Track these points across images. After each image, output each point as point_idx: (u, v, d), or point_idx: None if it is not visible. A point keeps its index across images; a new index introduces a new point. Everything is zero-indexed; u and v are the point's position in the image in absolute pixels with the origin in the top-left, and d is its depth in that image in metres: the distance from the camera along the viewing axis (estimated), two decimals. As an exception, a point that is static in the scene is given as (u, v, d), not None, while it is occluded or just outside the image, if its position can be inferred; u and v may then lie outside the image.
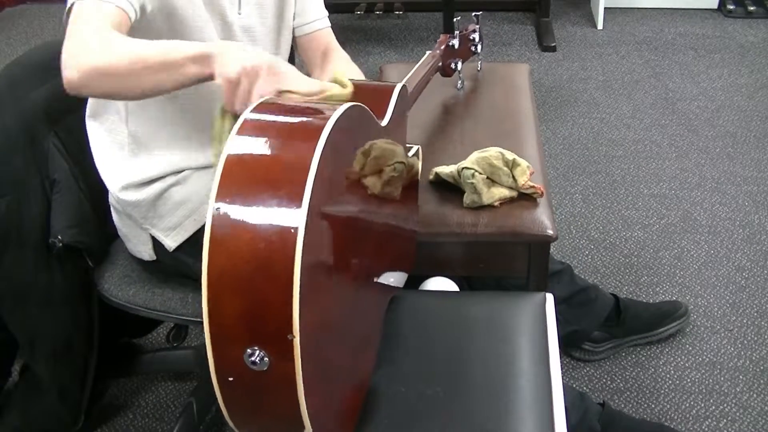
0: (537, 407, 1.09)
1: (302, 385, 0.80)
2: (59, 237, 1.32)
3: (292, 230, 0.78)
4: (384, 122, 1.11)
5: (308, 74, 1.47)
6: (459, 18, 1.63)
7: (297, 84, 1.00)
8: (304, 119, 0.88)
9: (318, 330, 0.84)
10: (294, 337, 0.78)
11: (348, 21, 3.28)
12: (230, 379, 0.83)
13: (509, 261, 1.41)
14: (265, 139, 0.85)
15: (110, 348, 1.60)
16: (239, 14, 1.25)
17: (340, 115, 0.86)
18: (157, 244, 1.32)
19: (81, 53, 1.01)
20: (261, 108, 0.90)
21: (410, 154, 1.28)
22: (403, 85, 1.23)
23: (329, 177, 0.84)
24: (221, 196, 0.81)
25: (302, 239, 0.77)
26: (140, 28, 1.11)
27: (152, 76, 1.02)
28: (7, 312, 1.40)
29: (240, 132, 0.85)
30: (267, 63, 0.98)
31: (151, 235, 1.30)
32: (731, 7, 3.45)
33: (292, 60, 3.32)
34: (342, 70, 1.14)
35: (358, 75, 1.43)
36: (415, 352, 1.17)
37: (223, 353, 0.82)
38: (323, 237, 0.84)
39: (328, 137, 0.82)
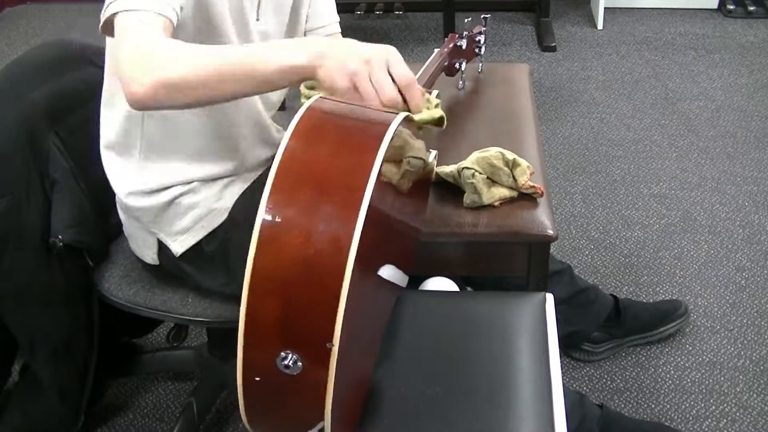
0: (537, 407, 1.08)
1: (332, 391, 0.80)
2: (59, 237, 1.32)
3: (347, 241, 0.76)
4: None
5: None
6: (470, 19, 1.63)
7: (406, 72, 0.95)
8: (365, 125, 0.86)
9: (352, 337, 0.83)
10: (333, 345, 0.77)
11: (348, 21, 3.28)
12: (257, 378, 0.82)
13: (509, 261, 1.41)
14: (322, 141, 0.83)
15: (110, 348, 1.60)
16: (257, 20, 1.25)
17: (398, 126, 0.85)
18: (161, 250, 1.32)
19: (150, 65, 0.96)
20: (319, 105, 0.87)
21: (430, 159, 1.27)
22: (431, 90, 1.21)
23: (380, 185, 0.82)
24: (275, 193, 0.79)
25: (356, 251, 0.76)
26: (176, 31, 1.08)
27: (238, 87, 0.98)
28: (7, 312, 1.40)
29: (296, 131, 0.83)
30: (376, 56, 0.93)
31: (157, 239, 1.30)
32: (731, 7, 3.45)
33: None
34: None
35: None
36: (415, 352, 1.17)
37: (255, 353, 0.81)
38: (369, 246, 0.83)
39: (386, 149, 0.81)
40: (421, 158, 1.17)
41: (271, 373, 0.81)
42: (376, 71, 0.93)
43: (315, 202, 0.79)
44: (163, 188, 1.26)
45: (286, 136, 0.83)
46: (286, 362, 0.80)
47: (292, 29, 1.34)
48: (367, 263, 0.88)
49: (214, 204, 1.27)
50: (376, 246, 0.93)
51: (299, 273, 0.78)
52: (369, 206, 0.79)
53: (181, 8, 1.07)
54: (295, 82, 0.96)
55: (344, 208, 0.77)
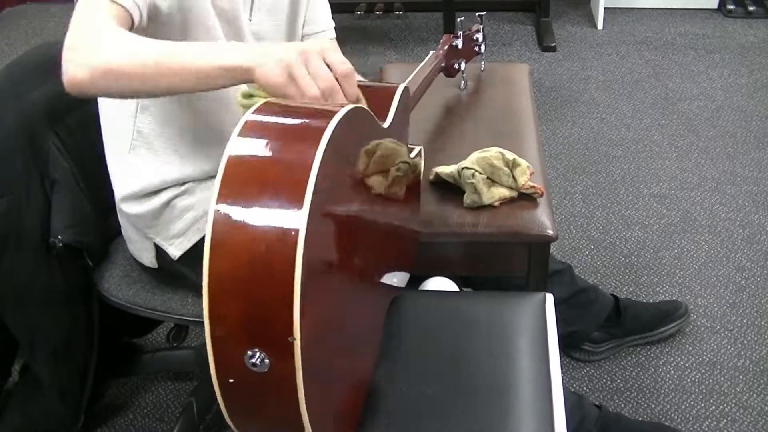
0: (537, 407, 1.08)
1: (303, 386, 0.80)
2: (59, 237, 1.32)
3: (293, 232, 0.77)
4: (386, 124, 1.11)
5: None
6: (462, 18, 1.63)
7: (342, 61, 0.95)
8: (306, 120, 0.88)
9: (319, 331, 0.84)
10: (295, 339, 0.78)
11: (348, 21, 3.28)
12: (231, 380, 0.83)
13: (509, 261, 1.41)
14: (266, 140, 0.84)
15: (110, 348, 1.60)
16: (250, 20, 1.24)
17: (342, 117, 0.86)
18: (159, 253, 1.32)
19: (92, 50, 0.97)
20: (263, 109, 0.89)
21: (413, 155, 1.28)
22: (406, 86, 1.23)
23: (331, 178, 0.84)
24: (222, 197, 0.81)
25: (303, 241, 0.77)
26: (155, 27, 1.09)
27: (176, 81, 0.97)
28: (7, 312, 1.39)
29: (241, 133, 0.85)
30: (311, 47, 0.92)
31: (154, 243, 1.30)
32: (731, 7, 3.45)
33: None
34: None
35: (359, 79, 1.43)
36: (415, 352, 1.17)
37: (223, 354, 0.82)
38: (325, 238, 0.84)
39: (329, 139, 0.82)
40: (406, 162, 1.17)
41: (242, 373, 0.82)
42: (312, 60, 0.92)
43: (260, 200, 0.80)
44: (157, 191, 1.25)
45: (231, 139, 0.84)
46: (253, 360, 0.80)
47: (291, 32, 1.34)
48: (338, 261, 0.88)
49: (209, 205, 1.26)
50: (352, 247, 0.94)
51: (253, 271, 0.79)
52: (320, 201, 0.80)
53: (155, 7, 1.07)
54: (234, 81, 0.96)
55: (289, 203, 0.78)
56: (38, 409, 1.51)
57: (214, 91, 1.02)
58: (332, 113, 0.87)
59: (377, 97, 1.17)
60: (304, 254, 0.77)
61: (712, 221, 2.26)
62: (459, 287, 1.45)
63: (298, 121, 0.88)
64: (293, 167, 0.81)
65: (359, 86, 1.10)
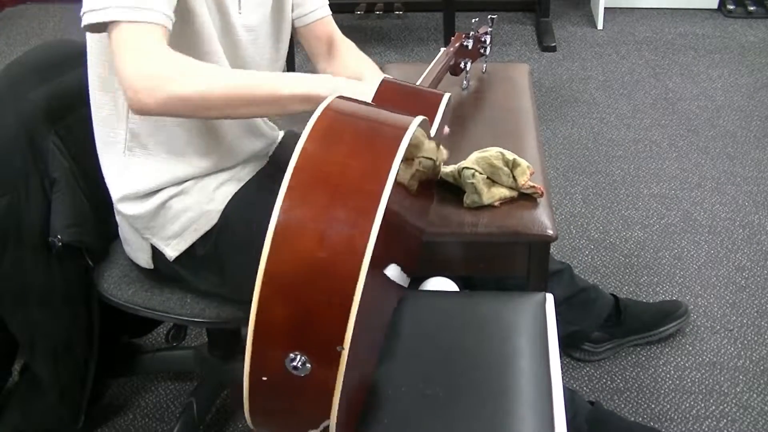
0: (537, 407, 1.08)
1: (339, 393, 0.80)
2: (59, 236, 1.32)
3: (362, 245, 0.76)
4: (431, 133, 1.10)
5: (314, 64, 1.47)
6: (477, 19, 1.64)
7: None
8: (382, 127, 0.86)
9: (358, 339, 0.83)
10: (343, 349, 0.77)
11: (348, 21, 3.28)
12: (264, 378, 0.82)
13: (509, 261, 1.41)
14: (339, 143, 0.83)
15: (110, 348, 1.60)
16: (240, 13, 1.24)
17: (415, 130, 0.85)
18: (155, 254, 1.31)
19: (160, 80, 1.00)
20: (335, 107, 0.87)
21: (439, 157, 1.27)
22: (450, 96, 1.20)
23: (395, 190, 0.82)
24: (290, 194, 0.79)
25: (370, 256, 0.76)
26: None
27: (252, 109, 1.05)
28: (6, 312, 1.39)
29: (314, 131, 0.83)
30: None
31: (151, 244, 1.30)
32: (731, 7, 3.45)
33: (291, 53, 3.31)
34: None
35: (369, 62, 1.43)
36: (415, 352, 1.17)
37: (263, 352, 0.81)
38: (380, 249, 0.83)
39: (403, 154, 0.81)
40: (431, 159, 1.16)
41: (279, 374, 0.81)
42: None
43: (330, 205, 0.79)
44: (153, 191, 1.25)
45: (303, 136, 0.83)
46: (294, 363, 0.80)
47: (276, 21, 1.32)
48: (378, 266, 0.87)
49: (206, 206, 1.26)
50: (386, 248, 0.93)
51: (312, 275, 0.78)
52: (386, 213, 0.79)
53: (174, 12, 1.08)
54: (307, 107, 1.03)
55: (360, 213, 0.77)
56: (38, 409, 1.51)
57: None
58: (406, 123, 0.85)
59: (424, 103, 1.16)
60: (368, 268, 0.76)
61: (712, 221, 2.26)
62: (459, 287, 1.45)
63: (374, 126, 0.86)
64: (368, 177, 0.79)
65: (406, 88, 1.09)
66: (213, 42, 1.18)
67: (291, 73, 1.17)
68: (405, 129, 0.84)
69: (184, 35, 1.15)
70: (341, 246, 0.77)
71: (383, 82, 1.12)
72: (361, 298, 0.78)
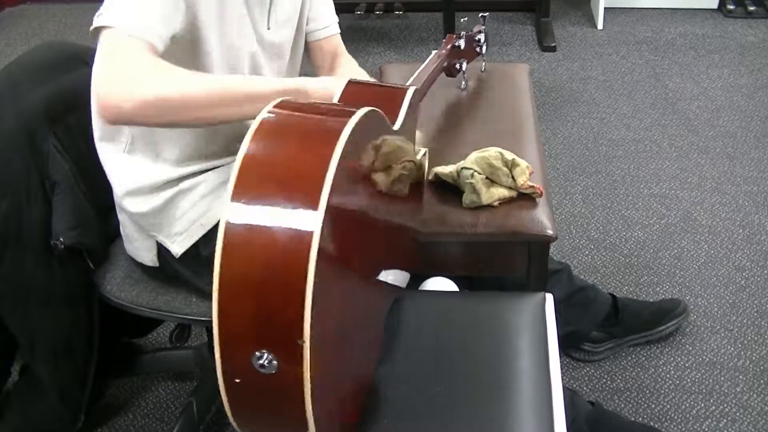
0: (537, 407, 1.09)
1: (310, 389, 0.80)
2: (60, 239, 1.32)
3: (307, 235, 0.77)
4: (396, 126, 1.11)
5: (316, 75, 1.49)
6: (466, 19, 1.63)
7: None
8: (323, 121, 0.87)
9: (326, 334, 0.83)
10: (304, 342, 0.78)
11: (348, 21, 3.28)
12: (237, 380, 0.83)
13: (509, 261, 1.41)
14: (283, 140, 0.84)
15: (110, 348, 1.60)
16: (269, 29, 1.27)
17: (359, 119, 0.86)
18: (160, 252, 1.31)
19: (137, 82, 0.99)
20: (279, 108, 0.89)
21: (418, 156, 1.28)
22: (416, 89, 1.22)
23: (343, 180, 0.83)
24: (237, 196, 0.80)
25: (317, 244, 0.77)
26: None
27: (231, 110, 1.04)
28: (7, 313, 1.40)
29: (257, 132, 0.84)
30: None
31: (156, 241, 1.30)
32: (731, 7, 3.45)
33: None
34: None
35: (365, 77, 1.44)
36: (415, 352, 1.17)
37: (231, 354, 0.82)
38: (336, 240, 0.83)
39: (346, 142, 0.82)
40: (412, 161, 1.17)
41: (249, 374, 0.81)
42: None
43: (276, 200, 0.79)
44: (159, 187, 1.25)
45: (247, 137, 0.84)
46: (261, 362, 0.80)
47: (296, 39, 1.36)
48: (345, 262, 0.88)
49: (212, 202, 1.27)
50: (358, 247, 0.93)
51: (266, 272, 0.78)
52: (334, 202, 0.80)
53: (172, 38, 1.08)
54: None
55: (305, 204, 0.78)
56: (38, 409, 1.51)
57: None
58: (349, 114, 0.86)
59: (388, 98, 1.17)
60: (317, 257, 0.77)
61: (712, 221, 2.26)
62: (459, 287, 1.45)
63: (315, 120, 0.88)
64: (310, 168, 0.80)
65: (370, 85, 1.10)
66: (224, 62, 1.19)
67: (263, 77, 1.20)
68: (348, 119, 0.84)
69: (192, 56, 1.16)
70: (290, 240, 0.78)
71: (348, 83, 1.14)
72: (323, 292, 0.79)
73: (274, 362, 0.80)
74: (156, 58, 1.03)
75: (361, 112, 0.87)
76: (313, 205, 0.78)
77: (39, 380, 1.46)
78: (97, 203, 1.38)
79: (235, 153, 1.29)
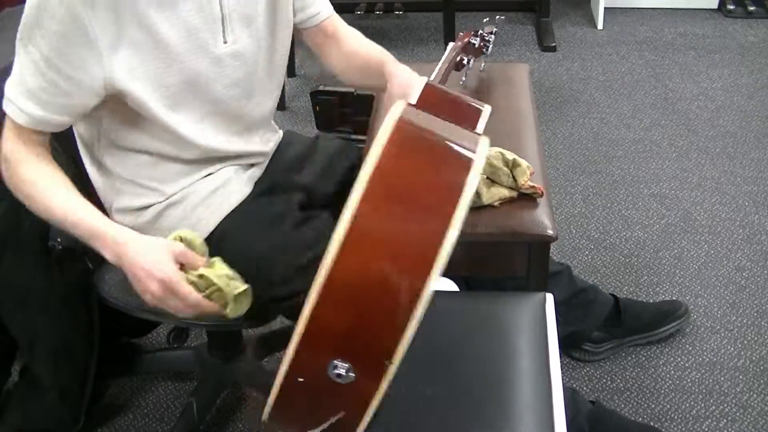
0: (537, 407, 1.08)
1: (376, 403, 0.80)
2: (58, 240, 1.32)
3: (428, 267, 0.75)
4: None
5: (325, 63, 1.46)
6: (487, 19, 1.66)
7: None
8: (456, 142, 0.84)
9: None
10: (392, 363, 0.77)
11: (348, 21, 3.26)
12: (300, 379, 0.81)
13: (509, 261, 1.41)
14: (416, 154, 0.81)
15: (110, 348, 1.60)
16: (225, 43, 1.20)
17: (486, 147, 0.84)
18: None
19: (9, 177, 1.16)
20: (410, 118, 0.84)
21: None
22: (490, 109, 1.19)
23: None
24: (366, 200, 0.76)
25: (435, 278, 0.75)
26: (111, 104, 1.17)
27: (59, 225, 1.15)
28: (6, 314, 1.40)
29: (391, 140, 0.80)
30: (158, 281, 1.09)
31: None
32: (731, 7, 3.44)
33: (292, 54, 3.29)
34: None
35: (376, 48, 1.42)
36: (415, 352, 1.17)
37: (307, 357, 0.80)
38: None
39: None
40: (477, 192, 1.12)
41: (318, 378, 0.80)
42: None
43: (405, 221, 0.77)
44: (144, 207, 1.27)
45: (377, 144, 0.79)
46: (337, 371, 0.79)
47: (271, 40, 1.29)
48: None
49: (202, 211, 1.26)
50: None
51: (378, 290, 0.76)
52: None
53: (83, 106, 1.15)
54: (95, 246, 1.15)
55: (433, 234, 0.76)
56: (38, 409, 1.51)
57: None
58: (475, 136, 0.83)
59: (463, 115, 1.12)
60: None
61: (712, 221, 2.25)
62: (459, 287, 1.45)
63: (450, 139, 0.84)
64: (443, 197, 0.77)
65: (450, 96, 1.05)
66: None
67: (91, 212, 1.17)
68: (477, 142, 0.82)
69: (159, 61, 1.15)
70: (410, 265, 0.76)
71: (427, 86, 1.07)
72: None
73: (352, 374, 0.79)
74: (28, 169, 1.15)
75: (486, 140, 0.85)
76: (441, 239, 0.75)
77: (39, 380, 1.46)
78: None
79: (215, 161, 1.30)
